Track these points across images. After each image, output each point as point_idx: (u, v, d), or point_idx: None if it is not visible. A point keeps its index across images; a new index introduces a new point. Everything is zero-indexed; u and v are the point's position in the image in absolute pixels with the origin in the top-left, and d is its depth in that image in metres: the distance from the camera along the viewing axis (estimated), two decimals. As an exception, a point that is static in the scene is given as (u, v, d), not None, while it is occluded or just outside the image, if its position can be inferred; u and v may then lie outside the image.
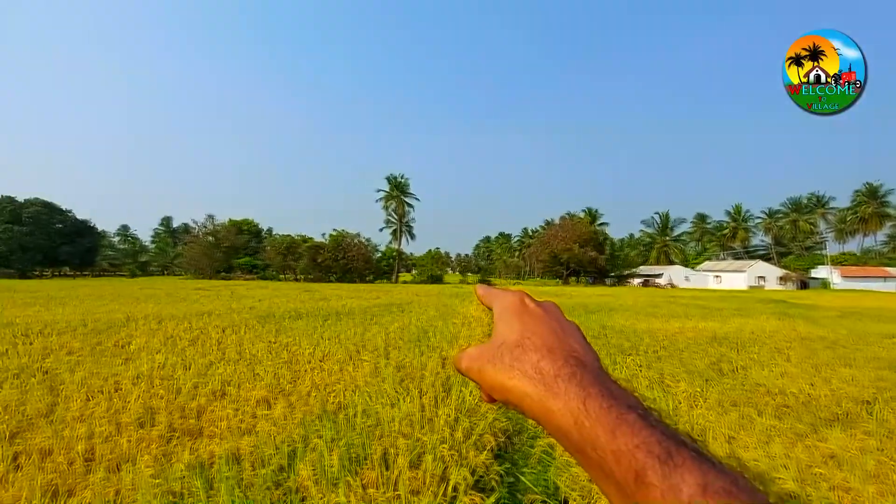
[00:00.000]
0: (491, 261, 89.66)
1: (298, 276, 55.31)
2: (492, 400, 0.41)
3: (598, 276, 67.14)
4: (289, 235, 59.12)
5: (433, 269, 61.91)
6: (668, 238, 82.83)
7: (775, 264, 67.81)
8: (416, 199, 67.29)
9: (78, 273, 60.35)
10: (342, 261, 54.20)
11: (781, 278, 59.62)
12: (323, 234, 58.96)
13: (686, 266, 72.25)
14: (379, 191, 66.29)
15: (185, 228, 74.68)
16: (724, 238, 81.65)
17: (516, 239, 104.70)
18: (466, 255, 77.17)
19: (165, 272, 67.87)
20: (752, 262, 63.09)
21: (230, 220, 63.24)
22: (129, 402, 4.61)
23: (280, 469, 3.28)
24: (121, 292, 23.10)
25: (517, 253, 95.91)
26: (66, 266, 58.08)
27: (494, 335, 0.43)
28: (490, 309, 0.47)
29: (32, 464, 3.25)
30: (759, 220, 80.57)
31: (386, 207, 65.92)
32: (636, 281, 68.01)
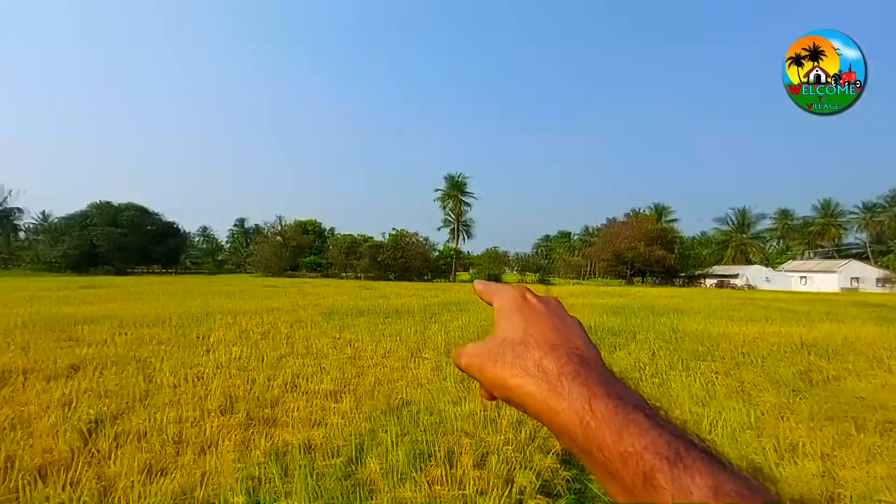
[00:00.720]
0: (550, 260, 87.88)
1: (359, 275, 57.17)
2: (492, 397, 0.40)
3: (666, 276, 63.74)
4: (350, 235, 61.30)
5: (491, 267, 61.66)
6: (745, 236, 76.95)
7: (872, 264, 60.98)
8: (474, 197, 67.35)
9: (165, 270, 66.08)
10: (401, 259, 55.38)
11: (883, 280, 53.54)
12: (383, 234, 60.59)
13: (767, 266, 66.78)
14: (437, 190, 67.05)
15: (257, 229, 79.64)
16: (811, 235, 74.57)
17: (576, 237, 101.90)
18: (525, 253, 76.08)
19: (239, 269, 72.66)
20: (845, 261, 57.19)
21: (296, 220, 66.62)
22: (211, 390, 4.96)
23: (349, 461, 3.38)
24: (201, 288, 25.01)
25: (578, 252, 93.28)
26: (156, 264, 63.88)
27: (495, 331, 0.42)
28: (491, 304, 0.45)
29: (131, 444, 3.58)
30: (853, 216, 72.78)
31: (444, 206, 66.52)
32: (709, 282, 63.87)
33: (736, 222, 78.14)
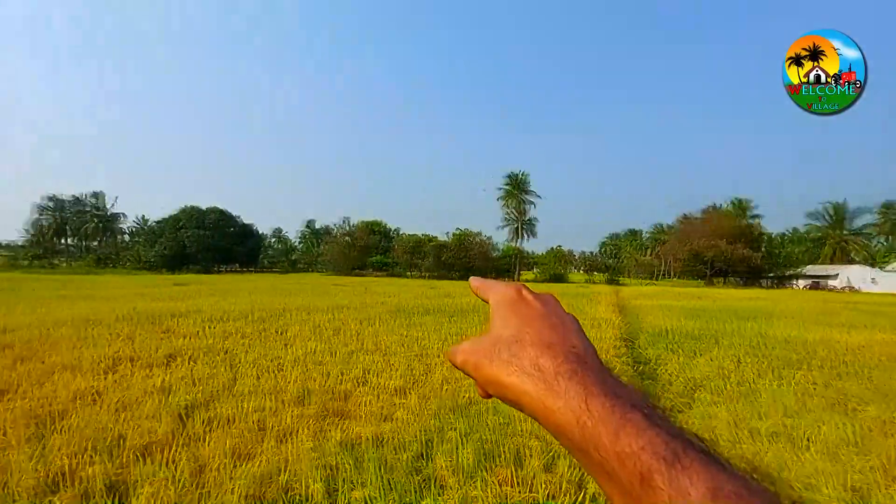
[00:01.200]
0: (619, 259, 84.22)
1: (423, 274, 58.19)
2: (488, 395, 0.40)
3: (751, 276, 58.81)
4: (415, 235, 62.57)
5: (555, 267, 60.26)
6: (845, 232, 69.13)
7: None
8: (538, 195, 66.15)
9: (245, 269, 71.10)
10: (464, 259, 55.69)
11: None
12: (447, 233, 61.24)
13: (872, 266, 59.59)
14: (499, 188, 66.60)
15: (326, 230, 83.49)
16: (926, 232, 65.58)
17: (647, 235, 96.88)
18: (591, 252, 73.27)
19: (310, 269, 76.59)
20: (972, 261, 49.64)
21: (362, 221, 69.11)
22: (289, 381, 5.25)
23: (418, 456, 3.43)
24: (277, 286, 26.64)
25: (649, 251, 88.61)
26: (236, 263, 68.93)
27: (491, 329, 0.41)
28: (486, 302, 0.45)
29: (221, 429, 3.87)
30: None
31: (506, 205, 65.95)
32: (801, 283, 58.11)
33: (832, 217, 70.42)
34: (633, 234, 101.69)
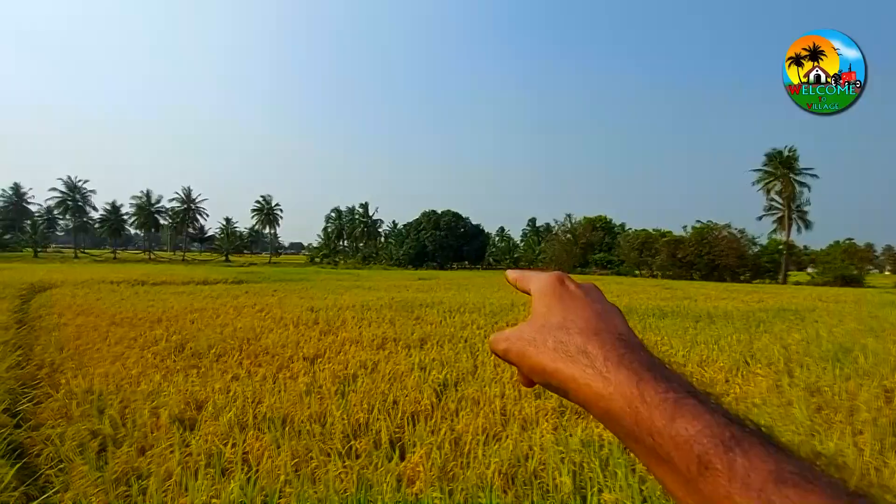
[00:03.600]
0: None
1: (655, 272, 53.00)
2: (531, 384, 0.40)
3: None
4: (644, 230, 57.54)
5: (844, 266, 46.29)
6: None
7: None
8: (812, 174, 52.23)
9: (473, 266, 77.88)
10: (707, 256, 48.34)
11: None
12: (684, 228, 54.03)
13: None
14: (756, 170, 55.09)
15: (547, 227, 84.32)
16: None
17: None
18: (901, 247, 53.60)
19: (531, 267, 78.65)
20: None
21: (585, 217, 67.17)
22: (525, 373, 5.45)
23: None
24: (502, 283, 28.06)
25: None
26: (465, 261, 76.15)
27: (533, 317, 0.41)
28: (527, 292, 0.44)
29: (470, 408, 4.27)
30: None
31: (766, 190, 54.10)
32: None
33: None
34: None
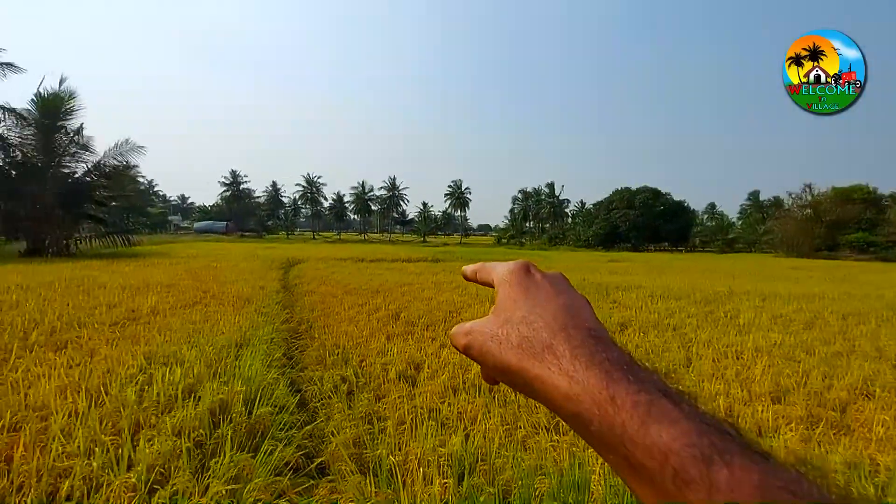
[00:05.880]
0: None
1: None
2: (494, 382, 0.37)
3: None
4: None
5: None
6: None
7: None
8: None
9: (673, 248, 69.66)
10: None
11: None
12: None
13: None
14: None
15: (776, 202, 69.81)
16: None
17: None
18: None
19: (751, 249, 66.36)
20: None
21: (833, 188, 53.02)
22: (755, 373, 4.64)
23: None
24: (713, 267, 24.53)
25: None
26: (664, 242, 68.52)
27: (497, 310, 0.37)
28: (490, 285, 0.41)
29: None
30: None
31: None
32: None
33: None
34: None
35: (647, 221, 63.80)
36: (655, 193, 66.37)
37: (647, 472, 0.26)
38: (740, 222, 78.41)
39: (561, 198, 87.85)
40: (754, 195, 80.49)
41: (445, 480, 2.40)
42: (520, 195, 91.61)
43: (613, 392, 0.28)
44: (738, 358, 5.30)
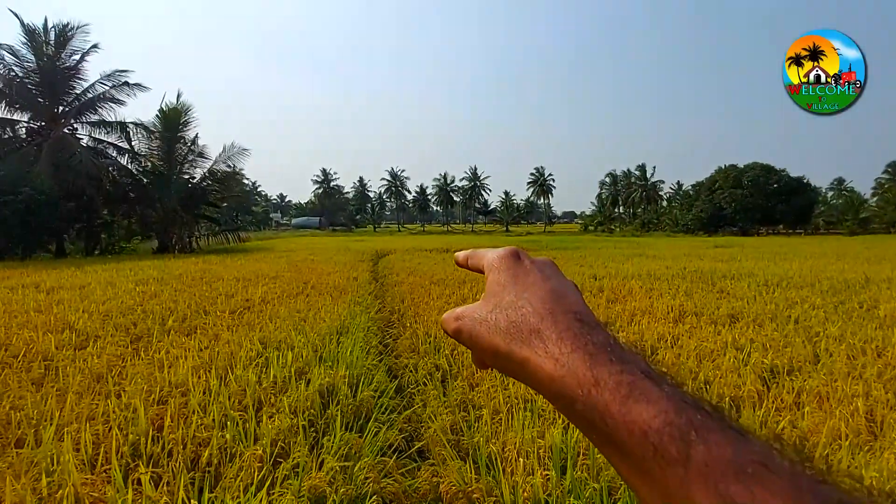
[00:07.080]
0: None
1: None
2: (484, 366, 0.38)
3: None
4: None
5: None
6: None
7: None
8: None
9: (791, 231, 62.05)
10: None
11: None
12: None
13: None
14: None
15: (926, 173, 59.23)
16: None
17: None
18: None
19: (891, 230, 57.07)
20: None
21: None
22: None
23: None
24: (843, 251, 21.42)
25: None
26: (780, 224, 61.18)
27: (487, 295, 0.38)
28: (480, 271, 0.42)
29: (815, 404, 3.41)
30: None
31: None
32: None
33: None
34: None
35: (757, 202, 57.41)
36: (767, 170, 59.42)
37: (628, 449, 0.26)
38: (875, 199, 67.45)
39: (653, 180, 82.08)
40: (894, 166, 68.69)
41: (547, 472, 2.37)
42: (608, 179, 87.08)
43: (597, 373, 0.29)
44: (879, 356, 4.60)
